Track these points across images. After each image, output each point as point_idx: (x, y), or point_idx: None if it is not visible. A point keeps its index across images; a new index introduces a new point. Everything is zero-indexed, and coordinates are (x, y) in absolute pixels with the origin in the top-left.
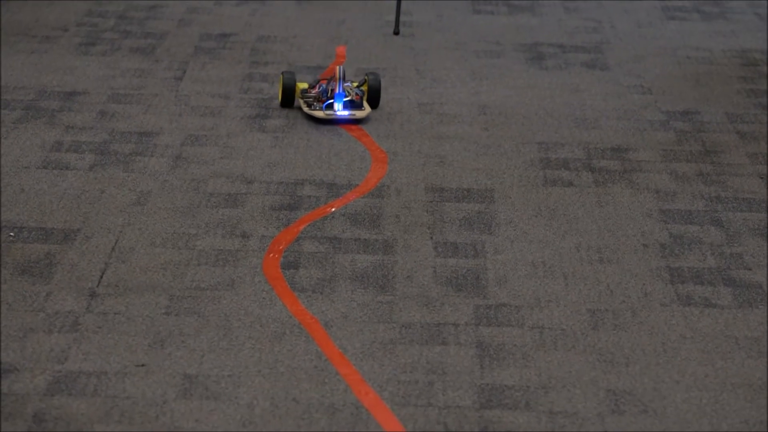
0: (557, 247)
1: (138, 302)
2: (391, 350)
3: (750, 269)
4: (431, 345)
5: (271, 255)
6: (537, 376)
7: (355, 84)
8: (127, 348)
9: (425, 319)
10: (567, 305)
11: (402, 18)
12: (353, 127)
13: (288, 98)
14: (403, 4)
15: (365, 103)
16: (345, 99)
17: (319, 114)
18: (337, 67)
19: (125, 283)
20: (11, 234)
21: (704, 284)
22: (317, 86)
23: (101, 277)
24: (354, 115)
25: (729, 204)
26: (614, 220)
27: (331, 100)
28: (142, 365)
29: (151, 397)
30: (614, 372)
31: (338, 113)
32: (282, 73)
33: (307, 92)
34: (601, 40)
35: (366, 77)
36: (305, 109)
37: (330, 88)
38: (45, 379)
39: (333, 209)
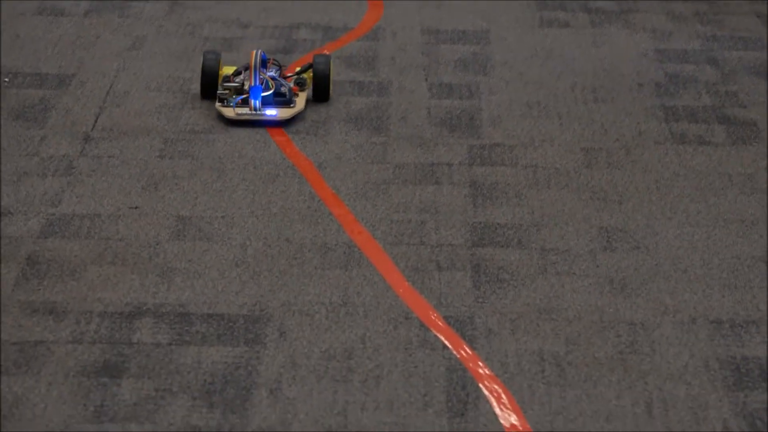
0: (552, 87)
1: (132, 146)
2: (384, 190)
3: (745, 107)
4: (424, 185)
5: None
6: (530, 215)
7: (296, 70)
8: (120, 191)
9: (419, 159)
10: (561, 144)
11: None
12: None
13: (210, 87)
14: None
15: (299, 98)
16: (265, 93)
17: (229, 113)
18: (253, 51)
19: (119, 126)
20: (6, 80)
21: (698, 122)
22: (244, 72)
23: (95, 121)
24: (275, 116)
25: (725, 43)
26: (610, 60)
27: (246, 95)
28: (136, 207)
29: (144, 238)
30: (607, 209)
31: (254, 112)
32: (203, 53)
33: (228, 80)
34: None
35: (311, 61)
36: (217, 105)
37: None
38: (39, 221)
39: (328, 52)
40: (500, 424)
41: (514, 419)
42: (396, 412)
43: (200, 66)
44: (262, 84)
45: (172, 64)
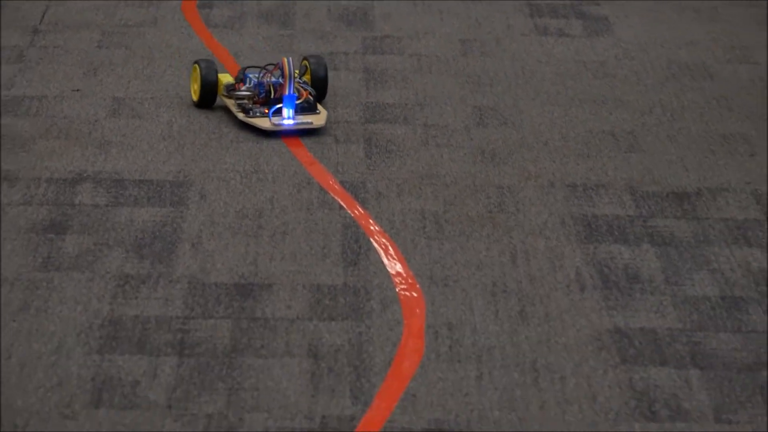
0: None
1: (75, 38)
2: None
3: (598, 5)
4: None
5: None
6: (414, 96)
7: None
8: (64, 76)
9: (320, 49)
10: (441, 36)
11: None
12: None
13: (209, 97)
14: None
15: (318, 104)
16: (297, 101)
17: (265, 124)
18: (285, 58)
19: (64, 21)
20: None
21: (559, 17)
22: (245, 80)
23: (42, 16)
24: (311, 123)
25: None
26: None
27: (279, 105)
28: (78, 90)
29: (85, 116)
30: (480, 92)
31: (288, 122)
32: (196, 62)
33: (234, 89)
34: None
35: (306, 63)
36: (241, 116)
37: (268, 83)
38: None
39: None
40: (387, 271)
41: (399, 267)
42: (299, 262)
43: (195, 75)
44: (296, 92)
45: None
